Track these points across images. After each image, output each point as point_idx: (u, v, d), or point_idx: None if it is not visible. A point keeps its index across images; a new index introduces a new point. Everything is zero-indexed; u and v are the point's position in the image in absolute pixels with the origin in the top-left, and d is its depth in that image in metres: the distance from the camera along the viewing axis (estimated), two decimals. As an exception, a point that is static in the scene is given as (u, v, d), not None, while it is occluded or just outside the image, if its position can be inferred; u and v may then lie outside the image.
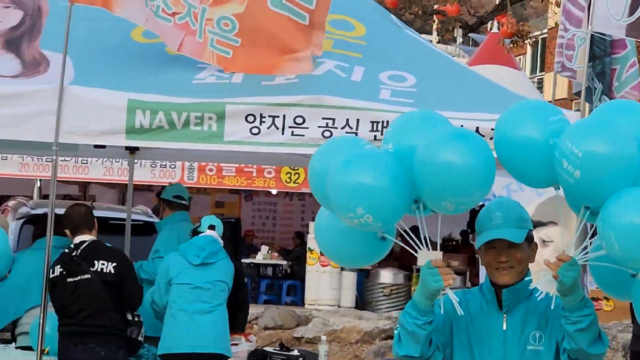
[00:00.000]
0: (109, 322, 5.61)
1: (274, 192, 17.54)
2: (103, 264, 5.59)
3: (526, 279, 2.83)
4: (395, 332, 2.88)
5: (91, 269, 5.55)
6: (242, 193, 19.29)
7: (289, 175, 14.39)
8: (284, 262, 16.86)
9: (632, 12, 5.44)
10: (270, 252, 16.70)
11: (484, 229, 2.84)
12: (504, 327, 2.89)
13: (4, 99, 4.90)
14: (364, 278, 15.98)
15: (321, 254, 14.89)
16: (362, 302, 15.92)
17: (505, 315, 2.88)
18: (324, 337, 8.13)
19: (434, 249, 2.74)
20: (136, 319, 5.84)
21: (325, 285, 15.11)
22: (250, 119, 4.92)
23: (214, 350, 6.11)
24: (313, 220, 14.49)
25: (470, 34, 18.85)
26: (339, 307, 15.04)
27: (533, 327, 2.87)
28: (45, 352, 5.24)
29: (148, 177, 13.37)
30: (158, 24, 5.02)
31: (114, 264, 5.62)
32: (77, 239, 5.70)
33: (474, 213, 4.23)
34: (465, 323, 2.90)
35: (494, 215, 2.82)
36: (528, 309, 2.88)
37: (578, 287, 2.66)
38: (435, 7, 14.89)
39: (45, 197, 13.77)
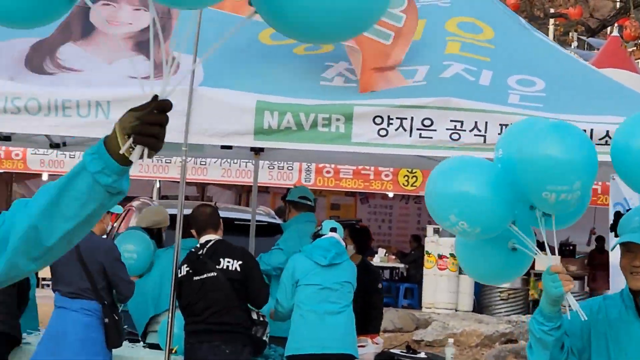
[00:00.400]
0: (234, 319, 5.68)
1: (390, 194, 17.45)
2: (229, 262, 5.68)
3: None
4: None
5: (217, 267, 5.64)
6: (358, 195, 19.31)
7: (406, 178, 14.27)
8: (401, 265, 16.91)
9: None
10: (387, 255, 16.69)
11: (622, 232, 2.86)
12: None
13: (135, 101, 5.02)
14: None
15: (439, 257, 14.87)
16: (479, 305, 15.70)
17: None
18: (450, 341, 7.99)
19: (552, 253, 2.76)
20: (261, 318, 5.90)
21: (443, 289, 15.06)
22: (378, 120, 4.89)
23: (343, 350, 6.12)
24: (429, 223, 14.33)
25: (587, 38, 18.52)
26: (456, 310, 14.95)
27: None
28: (174, 351, 5.34)
29: (266, 178, 13.54)
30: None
31: (240, 262, 5.69)
32: (203, 239, 5.81)
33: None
34: (604, 329, 2.87)
35: (634, 219, 2.81)
36: None
37: None
38: (555, 10, 14.51)
39: (164, 197, 14.18)
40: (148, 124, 1.52)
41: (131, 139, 1.49)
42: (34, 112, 5.05)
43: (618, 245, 2.92)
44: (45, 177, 14.42)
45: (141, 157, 1.55)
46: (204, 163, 13.38)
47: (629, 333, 2.90)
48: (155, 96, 1.60)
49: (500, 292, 15.43)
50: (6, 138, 6.51)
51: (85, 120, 5.08)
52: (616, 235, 3.26)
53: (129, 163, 1.54)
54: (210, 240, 5.79)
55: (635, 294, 2.86)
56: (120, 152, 1.51)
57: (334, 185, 15.02)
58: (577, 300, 2.90)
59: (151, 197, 13.83)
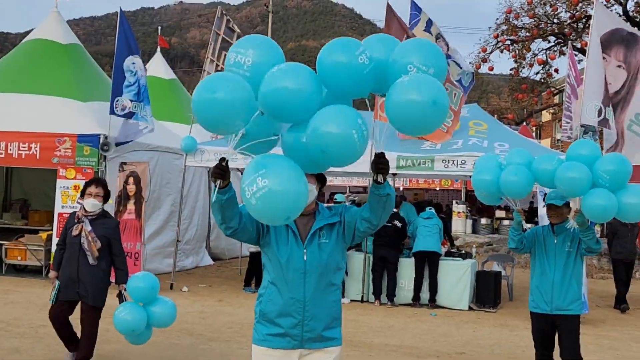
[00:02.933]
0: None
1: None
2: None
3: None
4: None
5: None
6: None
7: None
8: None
9: None
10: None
11: (548, 199, 6.49)
12: (555, 241, 6.46)
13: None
14: None
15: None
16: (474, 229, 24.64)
17: (555, 236, 6.49)
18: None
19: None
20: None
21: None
22: (445, 162, 12.65)
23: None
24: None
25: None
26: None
27: (568, 240, 6.43)
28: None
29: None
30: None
31: None
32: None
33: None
34: (539, 239, 6.56)
35: (552, 194, 6.43)
36: (567, 234, 6.43)
37: (584, 223, 6.05)
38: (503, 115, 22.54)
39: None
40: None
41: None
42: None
43: (546, 206, 6.48)
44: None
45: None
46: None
47: (547, 241, 6.49)
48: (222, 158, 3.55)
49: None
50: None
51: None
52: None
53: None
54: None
55: (551, 225, 6.48)
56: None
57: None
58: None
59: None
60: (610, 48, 12.23)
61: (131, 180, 13.00)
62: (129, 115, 12.98)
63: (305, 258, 3.87)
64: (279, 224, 3.65)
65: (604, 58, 12.00)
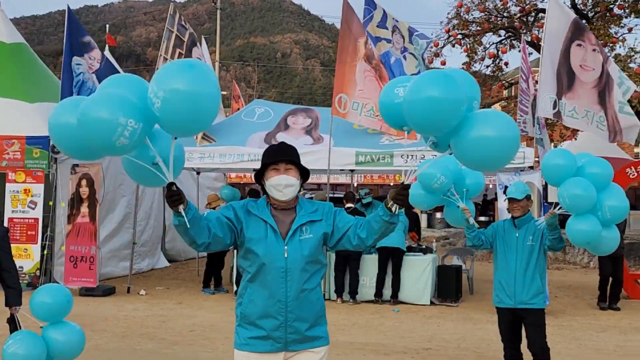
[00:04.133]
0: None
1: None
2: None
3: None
4: None
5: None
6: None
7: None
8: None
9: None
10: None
11: (508, 193, 6.54)
12: (517, 235, 6.42)
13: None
14: None
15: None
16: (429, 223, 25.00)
17: (517, 230, 6.44)
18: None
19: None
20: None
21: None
22: (404, 157, 12.62)
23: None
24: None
25: None
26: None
27: (530, 234, 6.38)
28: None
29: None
30: (366, 120, 12.70)
31: None
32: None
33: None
34: (500, 233, 6.53)
35: (512, 188, 6.53)
36: (529, 227, 6.40)
37: (554, 224, 6.10)
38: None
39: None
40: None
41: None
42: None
43: (507, 199, 6.50)
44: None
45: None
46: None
47: (509, 235, 6.44)
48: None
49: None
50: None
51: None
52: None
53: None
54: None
55: (513, 218, 6.47)
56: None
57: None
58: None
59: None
60: (582, 34, 12.27)
61: (84, 182, 12.65)
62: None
63: (286, 255, 3.70)
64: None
65: (580, 45, 12.03)
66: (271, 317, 3.71)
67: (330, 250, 4.02)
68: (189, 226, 3.50)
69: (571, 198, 5.97)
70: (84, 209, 12.57)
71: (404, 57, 14.49)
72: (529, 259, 6.37)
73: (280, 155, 3.82)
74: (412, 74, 14.07)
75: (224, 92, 36.57)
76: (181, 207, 3.45)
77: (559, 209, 6.17)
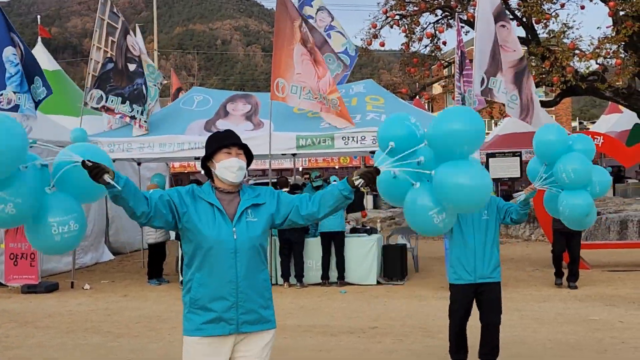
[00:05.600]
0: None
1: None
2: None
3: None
4: None
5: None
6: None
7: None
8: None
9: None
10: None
11: None
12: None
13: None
14: None
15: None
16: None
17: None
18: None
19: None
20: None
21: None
22: (345, 139, 12.67)
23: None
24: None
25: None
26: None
27: (484, 208, 6.32)
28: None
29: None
30: (306, 103, 12.67)
31: None
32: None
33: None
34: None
35: None
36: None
37: (528, 200, 6.32)
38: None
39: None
40: None
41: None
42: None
43: None
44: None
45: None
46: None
47: (472, 215, 6.34)
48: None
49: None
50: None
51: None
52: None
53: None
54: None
55: None
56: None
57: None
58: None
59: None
60: (506, 17, 12.52)
61: (21, 177, 12.34)
62: (15, 108, 12.33)
63: (235, 237, 3.74)
64: None
65: (504, 26, 12.24)
66: (222, 298, 3.72)
67: (280, 227, 4.05)
68: (124, 195, 3.50)
69: (575, 172, 6.06)
70: (22, 204, 12.27)
71: (329, 35, 14.56)
72: (486, 233, 6.45)
73: (232, 139, 3.91)
74: (339, 52, 14.14)
75: (165, 82, 36.05)
76: (107, 177, 3.43)
77: (541, 184, 6.30)
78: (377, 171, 3.74)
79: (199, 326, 3.74)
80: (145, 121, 13.15)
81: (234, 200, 3.86)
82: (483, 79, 12.02)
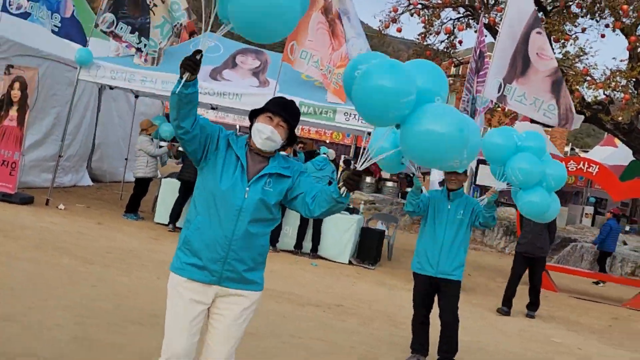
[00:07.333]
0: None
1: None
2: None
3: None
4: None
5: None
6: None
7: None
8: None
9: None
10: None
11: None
12: (449, 207, 6.61)
13: (252, 96, 12.75)
14: None
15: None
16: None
17: (450, 202, 6.65)
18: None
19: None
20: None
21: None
22: (346, 114, 12.57)
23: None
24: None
25: None
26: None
27: (461, 208, 6.59)
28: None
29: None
30: (313, 70, 12.57)
31: None
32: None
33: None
34: (433, 203, 6.66)
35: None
36: (460, 202, 6.63)
37: (493, 201, 6.42)
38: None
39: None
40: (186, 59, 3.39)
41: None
42: (212, 94, 12.55)
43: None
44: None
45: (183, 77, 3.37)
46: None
47: (441, 206, 6.61)
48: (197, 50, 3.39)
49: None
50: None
51: (229, 100, 12.62)
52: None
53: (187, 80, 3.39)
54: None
55: (448, 190, 6.66)
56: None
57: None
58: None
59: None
60: (541, 25, 12.39)
61: (17, 85, 12.17)
62: (24, 15, 12.11)
63: (246, 196, 3.65)
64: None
65: (539, 33, 12.12)
66: (212, 249, 3.65)
67: (284, 205, 3.96)
68: (183, 99, 3.47)
69: (523, 173, 6.10)
70: (13, 112, 12.12)
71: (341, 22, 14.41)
72: (457, 232, 6.52)
73: (283, 110, 3.76)
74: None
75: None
76: (187, 75, 3.41)
77: (502, 187, 6.30)
78: (359, 174, 3.56)
79: (184, 265, 3.69)
80: (150, 55, 12.96)
81: (261, 163, 3.77)
82: (500, 85, 11.95)
